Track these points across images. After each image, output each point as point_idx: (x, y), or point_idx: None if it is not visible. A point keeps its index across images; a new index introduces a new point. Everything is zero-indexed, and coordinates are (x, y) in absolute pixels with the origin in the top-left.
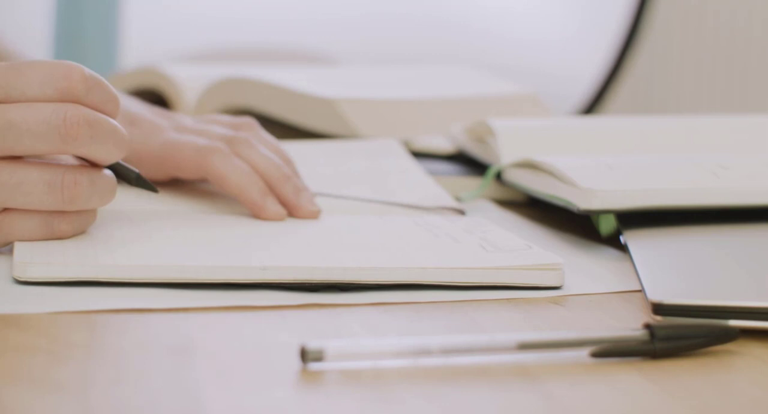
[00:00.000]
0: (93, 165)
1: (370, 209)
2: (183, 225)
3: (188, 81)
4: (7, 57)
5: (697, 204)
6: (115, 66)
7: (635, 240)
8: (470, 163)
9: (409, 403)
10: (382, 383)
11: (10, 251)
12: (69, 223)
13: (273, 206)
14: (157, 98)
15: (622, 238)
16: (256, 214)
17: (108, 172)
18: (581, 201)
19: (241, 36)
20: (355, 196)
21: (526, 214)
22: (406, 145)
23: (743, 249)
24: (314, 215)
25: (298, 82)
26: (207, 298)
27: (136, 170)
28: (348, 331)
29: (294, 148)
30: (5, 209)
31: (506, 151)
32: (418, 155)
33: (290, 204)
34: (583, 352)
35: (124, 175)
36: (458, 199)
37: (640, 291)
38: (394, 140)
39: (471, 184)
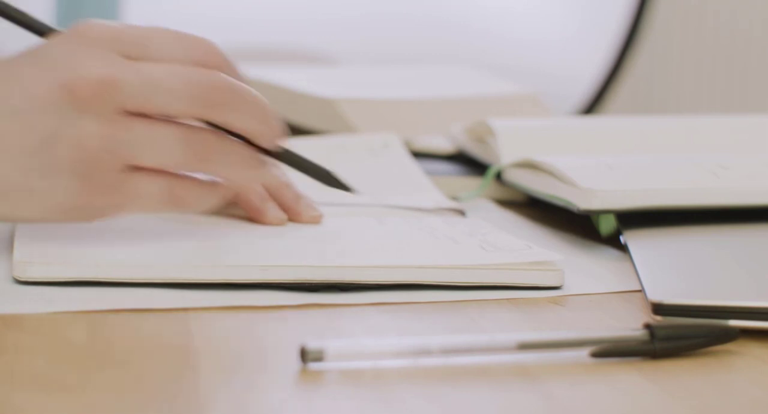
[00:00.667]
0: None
1: (370, 211)
2: (183, 225)
3: None
4: None
5: (697, 204)
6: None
7: (635, 240)
8: (470, 163)
9: (409, 403)
10: (382, 383)
11: (10, 251)
12: (189, 190)
13: (273, 211)
14: None
15: (622, 238)
16: (257, 219)
17: (242, 144)
18: (581, 201)
19: (241, 36)
20: (353, 203)
21: (526, 214)
22: (406, 145)
23: (743, 249)
24: (316, 220)
25: (298, 82)
26: (207, 298)
27: (326, 169)
28: (348, 331)
29: (293, 145)
30: (133, 168)
31: (506, 151)
32: (418, 155)
33: (291, 210)
34: (583, 352)
35: (314, 172)
36: (458, 199)
37: (640, 291)
38: (393, 134)
39: (471, 184)
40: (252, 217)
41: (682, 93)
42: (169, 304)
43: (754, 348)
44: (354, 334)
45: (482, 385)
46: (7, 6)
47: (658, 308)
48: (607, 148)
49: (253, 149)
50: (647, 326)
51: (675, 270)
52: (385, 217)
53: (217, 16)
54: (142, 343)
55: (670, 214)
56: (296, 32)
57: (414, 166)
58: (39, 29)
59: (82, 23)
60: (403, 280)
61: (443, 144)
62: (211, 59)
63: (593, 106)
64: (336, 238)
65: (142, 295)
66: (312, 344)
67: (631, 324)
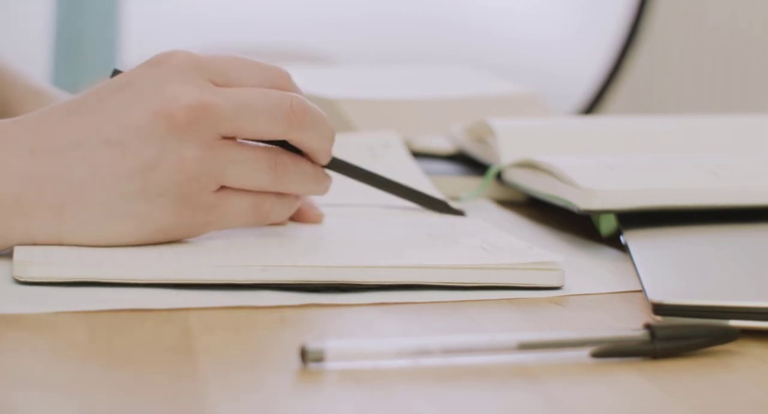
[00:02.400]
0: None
1: (371, 211)
2: None
3: None
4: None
5: (697, 204)
6: (115, 66)
7: (635, 240)
8: (470, 163)
9: (410, 403)
10: (382, 383)
11: (10, 251)
12: (272, 205)
13: None
14: None
15: (622, 238)
16: None
17: (307, 161)
18: (581, 201)
19: (241, 36)
20: (353, 203)
21: (526, 214)
22: (406, 145)
23: (743, 249)
24: (317, 219)
25: (299, 82)
26: (207, 298)
27: (442, 198)
28: (348, 331)
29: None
30: (223, 188)
31: (506, 151)
32: (418, 155)
33: None
34: (584, 352)
35: (362, 176)
36: (458, 199)
37: (640, 291)
38: (394, 134)
39: (471, 184)
40: None
41: (682, 93)
42: (169, 304)
43: (755, 348)
44: (354, 334)
45: (482, 385)
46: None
47: (659, 308)
48: (607, 148)
49: (314, 164)
50: (647, 326)
51: (675, 270)
52: (386, 217)
53: (217, 16)
54: (142, 343)
55: (670, 214)
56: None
57: (414, 167)
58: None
59: (162, 53)
60: (403, 280)
61: (443, 144)
62: (284, 84)
63: (593, 106)
64: (336, 238)
65: (142, 295)
66: (312, 344)
67: (631, 324)
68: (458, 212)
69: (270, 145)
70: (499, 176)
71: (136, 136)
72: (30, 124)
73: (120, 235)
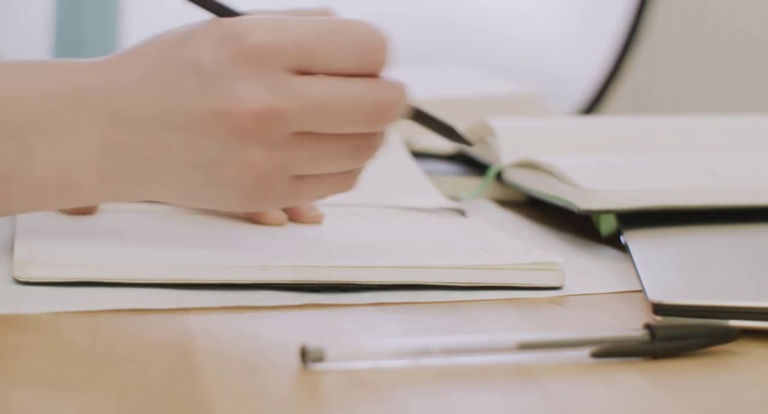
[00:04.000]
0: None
1: (370, 211)
2: (182, 225)
3: None
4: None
5: (697, 204)
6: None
7: (635, 240)
8: (470, 163)
9: (410, 403)
10: (382, 383)
11: (10, 251)
12: (348, 183)
13: (274, 211)
14: None
15: (622, 238)
16: (257, 220)
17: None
18: (581, 201)
19: None
20: (353, 203)
21: (526, 214)
22: (407, 145)
23: (743, 249)
24: (317, 220)
25: None
26: (207, 298)
27: (449, 124)
28: (348, 331)
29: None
30: (300, 176)
31: (506, 151)
32: (418, 155)
33: (292, 210)
34: (584, 352)
35: (439, 129)
36: (458, 199)
37: (640, 291)
38: (393, 133)
39: (471, 184)
40: (252, 217)
41: (682, 93)
42: (169, 304)
43: (755, 348)
44: (354, 334)
45: (482, 385)
46: None
47: (659, 308)
48: (607, 148)
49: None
50: (647, 326)
51: (675, 270)
52: (386, 217)
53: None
54: (142, 343)
55: (670, 214)
56: None
57: (414, 167)
58: (219, 11)
59: (239, 27)
60: (403, 280)
61: (443, 144)
62: (377, 59)
63: (593, 106)
64: (336, 238)
65: (143, 295)
66: (312, 344)
67: (631, 324)
68: (467, 142)
69: (347, 134)
70: (499, 176)
71: (200, 130)
72: (107, 82)
73: (196, 206)
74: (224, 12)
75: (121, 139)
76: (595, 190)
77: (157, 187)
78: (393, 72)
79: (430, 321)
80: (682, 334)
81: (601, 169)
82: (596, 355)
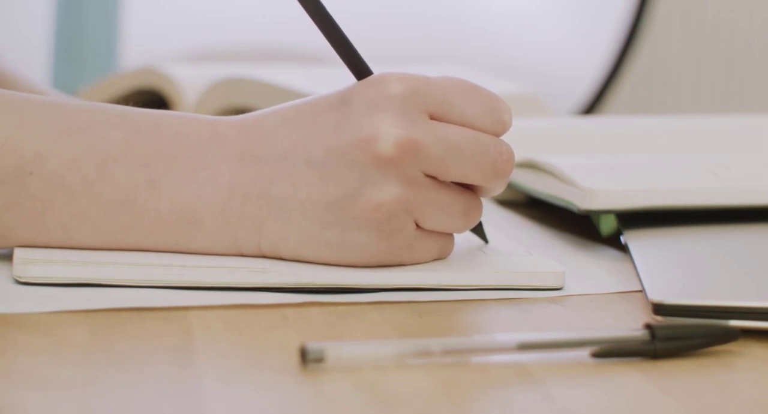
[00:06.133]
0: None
1: None
2: None
3: (188, 81)
4: (5, 78)
5: (697, 204)
6: (115, 66)
7: (635, 240)
8: None
9: (410, 403)
10: (382, 383)
11: (11, 251)
12: (450, 246)
13: None
14: (157, 98)
15: (622, 238)
16: None
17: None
18: (581, 201)
19: (241, 36)
20: None
21: (526, 214)
22: None
23: (743, 249)
24: None
25: (298, 82)
26: (207, 297)
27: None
28: (348, 331)
29: None
30: (417, 228)
31: None
32: None
33: None
34: (584, 353)
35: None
36: None
37: (640, 291)
38: None
39: None
40: None
41: (682, 93)
42: (169, 302)
43: (755, 348)
44: (354, 334)
45: (482, 385)
46: (346, 43)
47: (659, 308)
48: (607, 148)
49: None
50: (648, 326)
51: (675, 270)
52: None
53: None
54: (142, 342)
55: (671, 214)
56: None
57: None
58: (360, 70)
59: (384, 74)
60: (404, 284)
61: None
62: (504, 119)
63: (593, 106)
64: None
65: (142, 294)
66: (312, 344)
67: (631, 324)
68: (485, 239)
69: (463, 189)
70: None
71: (338, 162)
72: (243, 127)
73: (315, 257)
74: (362, 68)
75: (250, 178)
76: (595, 190)
77: (279, 229)
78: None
79: (430, 321)
80: (682, 334)
81: (601, 169)
82: (596, 355)
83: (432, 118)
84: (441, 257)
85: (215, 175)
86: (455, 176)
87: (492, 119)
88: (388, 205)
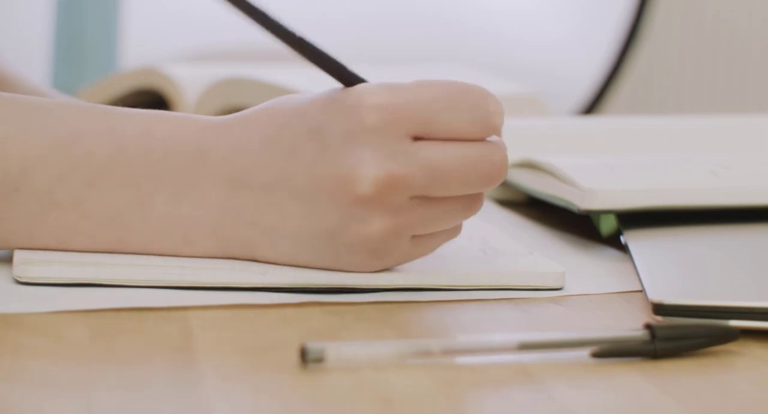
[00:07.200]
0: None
1: None
2: None
3: (188, 81)
4: (6, 80)
5: (698, 204)
6: (115, 66)
7: (635, 240)
8: None
9: (410, 403)
10: (382, 383)
11: (11, 251)
12: (454, 238)
13: None
14: (157, 98)
15: (622, 238)
16: None
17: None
18: (581, 201)
19: (241, 36)
20: None
21: (526, 214)
22: None
23: (743, 249)
24: None
25: (298, 82)
26: (207, 296)
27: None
28: (348, 331)
29: None
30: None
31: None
32: None
33: None
34: (584, 353)
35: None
36: None
37: (640, 291)
38: None
39: None
40: None
41: (682, 93)
42: (169, 302)
43: (755, 348)
44: (354, 334)
45: (482, 385)
46: (322, 54)
47: (659, 308)
48: (607, 148)
49: None
50: (648, 326)
51: (675, 270)
52: None
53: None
54: (142, 342)
55: (671, 214)
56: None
57: None
58: (346, 79)
59: (358, 93)
60: (403, 284)
61: None
62: (493, 124)
63: (593, 106)
64: None
65: (142, 294)
66: (312, 344)
67: (631, 324)
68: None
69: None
70: None
71: (322, 197)
72: (228, 147)
73: (316, 267)
74: (343, 74)
75: (239, 204)
76: (595, 190)
77: (272, 253)
78: (393, 72)
79: (431, 321)
80: (682, 334)
81: (601, 169)
82: (596, 355)
83: (416, 138)
84: (452, 238)
85: (204, 198)
86: (444, 195)
87: (482, 125)
88: (377, 235)
